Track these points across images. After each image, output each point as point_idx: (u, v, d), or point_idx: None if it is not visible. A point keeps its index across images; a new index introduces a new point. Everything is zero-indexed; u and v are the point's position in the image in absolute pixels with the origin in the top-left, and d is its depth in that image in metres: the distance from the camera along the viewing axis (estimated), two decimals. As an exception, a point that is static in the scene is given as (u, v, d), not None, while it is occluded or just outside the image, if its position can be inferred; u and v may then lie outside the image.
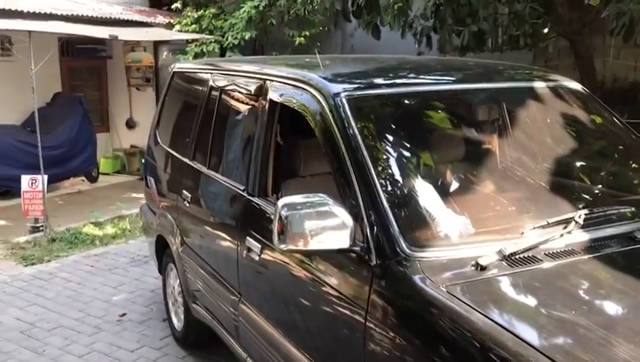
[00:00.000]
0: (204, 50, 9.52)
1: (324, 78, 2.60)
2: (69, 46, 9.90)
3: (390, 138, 2.44)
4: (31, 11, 8.05)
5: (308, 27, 9.51)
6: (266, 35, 9.81)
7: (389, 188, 2.21)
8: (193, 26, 10.10)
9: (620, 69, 7.75)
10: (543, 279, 1.92)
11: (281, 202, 2.10)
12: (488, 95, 2.81)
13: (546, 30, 6.72)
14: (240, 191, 3.02)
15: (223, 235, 3.25)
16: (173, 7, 10.36)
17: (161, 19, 10.41)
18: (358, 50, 9.15)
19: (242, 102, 3.27)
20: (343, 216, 2.05)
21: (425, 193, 2.25)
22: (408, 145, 2.48)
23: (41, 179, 7.07)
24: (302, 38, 9.26)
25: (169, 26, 10.23)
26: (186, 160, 3.83)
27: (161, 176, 4.41)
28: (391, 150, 2.38)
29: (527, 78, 2.99)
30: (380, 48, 7.05)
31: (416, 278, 1.89)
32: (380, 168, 2.25)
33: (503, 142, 2.73)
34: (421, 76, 2.98)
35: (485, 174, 2.50)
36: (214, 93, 3.59)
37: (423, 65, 3.41)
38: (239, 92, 3.30)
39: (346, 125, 2.33)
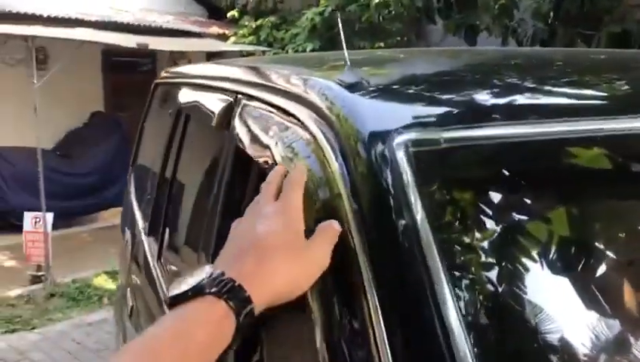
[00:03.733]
0: (261, 64, 8.09)
1: (348, 89, 0.95)
2: (108, 59, 8.73)
3: (509, 248, 0.75)
4: (52, 16, 6.85)
5: (383, 37, 7.85)
6: (333, 47, 8.24)
7: None
8: (251, 37, 8.70)
9: None
10: None
11: None
12: None
13: None
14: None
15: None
16: (229, 15, 9.01)
17: (215, 29, 9.09)
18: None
19: (201, 140, 1.66)
20: None
21: None
22: (550, 264, 0.77)
23: (43, 216, 5.69)
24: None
25: (223, 37, 8.88)
26: (141, 231, 2.26)
27: (124, 244, 2.85)
28: (507, 273, 0.69)
29: None
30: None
31: None
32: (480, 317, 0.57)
33: None
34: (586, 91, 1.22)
35: None
36: (179, 120, 2.00)
37: (576, 60, 1.53)
38: (200, 120, 1.68)
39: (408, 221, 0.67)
